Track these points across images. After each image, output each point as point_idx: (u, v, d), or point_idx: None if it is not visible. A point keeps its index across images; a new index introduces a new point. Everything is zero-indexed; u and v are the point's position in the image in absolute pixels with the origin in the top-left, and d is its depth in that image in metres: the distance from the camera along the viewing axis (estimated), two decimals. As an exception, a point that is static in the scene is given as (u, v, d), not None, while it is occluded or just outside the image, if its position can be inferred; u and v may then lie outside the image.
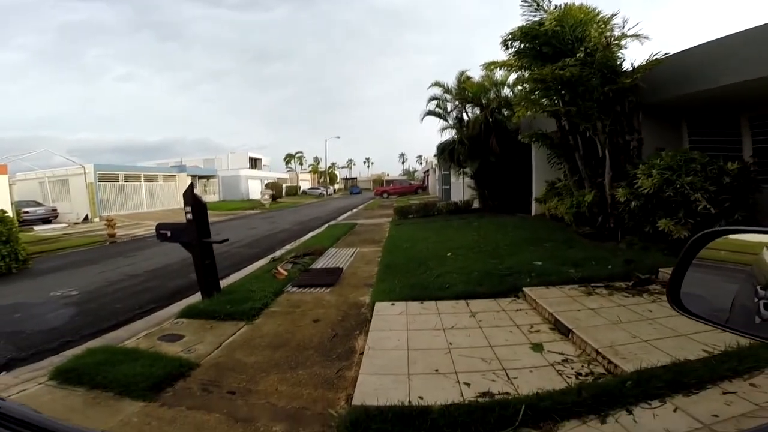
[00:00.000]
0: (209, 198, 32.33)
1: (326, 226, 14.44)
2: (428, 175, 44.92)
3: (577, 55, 7.11)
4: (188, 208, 4.99)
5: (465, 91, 14.62)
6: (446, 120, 15.93)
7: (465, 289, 4.95)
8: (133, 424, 2.55)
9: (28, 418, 0.75)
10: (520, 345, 3.47)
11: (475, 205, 16.02)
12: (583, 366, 3.01)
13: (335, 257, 8.03)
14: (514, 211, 13.15)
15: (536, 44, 8.01)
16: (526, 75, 8.73)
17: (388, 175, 77.38)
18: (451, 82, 15.27)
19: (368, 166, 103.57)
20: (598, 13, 7.65)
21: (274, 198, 34.05)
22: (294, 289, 5.78)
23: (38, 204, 21.47)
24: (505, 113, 13.66)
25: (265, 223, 17.80)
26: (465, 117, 15.37)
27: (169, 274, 7.68)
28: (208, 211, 5.32)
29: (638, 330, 3.42)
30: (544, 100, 8.63)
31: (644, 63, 6.91)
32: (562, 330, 3.65)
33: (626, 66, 7.38)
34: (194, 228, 4.98)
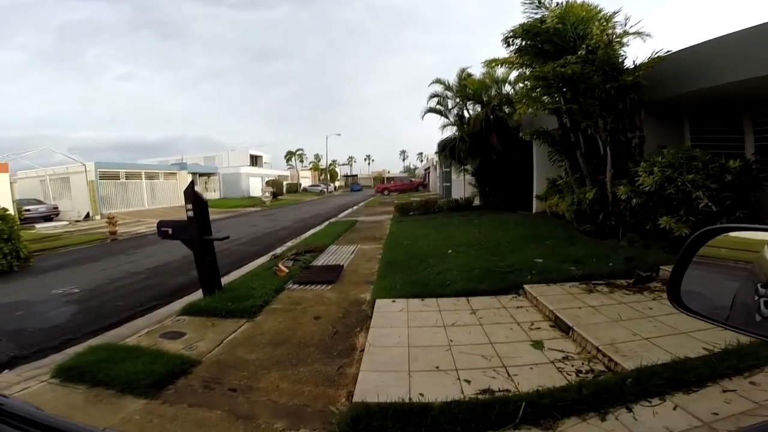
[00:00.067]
0: (210, 195, 32.38)
1: (327, 223, 14.44)
2: (429, 173, 44.89)
3: (579, 52, 7.08)
4: (189, 206, 4.99)
5: (466, 88, 14.59)
6: (447, 117, 15.92)
7: (466, 287, 4.95)
8: (135, 421, 2.56)
9: (31, 416, 0.75)
10: (521, 342, 3.47)
11: (476, 202, 16.02)
12: (583, 363, 3.02)
13: (336, 254, 8.04)
14: (515, 209, 13.14)
15: (538, 41, 7.99)
16: (528, 72, 8.71)
17: (388, 172, 77.43)
18: (451, 79, 15.28)
19: (369, 164, 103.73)
20: (600, 11, 7.63)
21: (274, 195, 34.05)
22: (295, 286, 5.79)
23: (39, 202, 21.49)
24: (507, 110, 13.64)
25: (265, 220, 17.81)
26: (466, 114, 15.35)
27: (170, 272, 7.70)
28: (209, 209, 5.31)
29: (639, 327, 3.42)
30: (545, 97, 8.61)
31: (646, 60, 6.88)
32: (563, 327, 3.66)
33: (628, 63, 7.37)
34: (195, 225, 4.98)
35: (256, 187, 39.12)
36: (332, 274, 6.31)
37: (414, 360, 3.20)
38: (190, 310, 4.76)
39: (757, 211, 5.65)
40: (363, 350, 3.45)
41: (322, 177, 62.71)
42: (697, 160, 5.83)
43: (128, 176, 26.13)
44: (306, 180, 61.30)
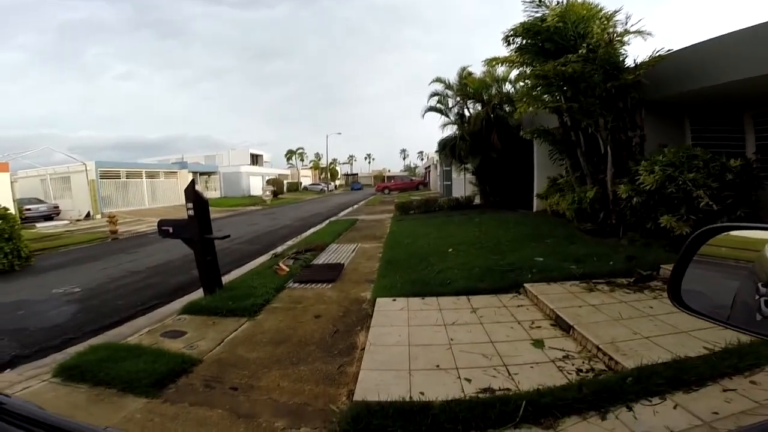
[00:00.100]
0: (211, 194, 32.41)
1: (327, 222, 14.45)
2: (429, 171, 44.88)
3: (580, 51, 7.08)
4: (190, 205, 5.00)
5: (466, 87, 14.58)
6: (447, 116, 15.91)
7: (466, 285, 4.95)
8: (136, 420, 2.57)
9: (33, 415, 0.76)
10: (521, 341, 3.47)
11: (477, 201, 16.02)
12: (583, 362, 3.02)
13: (336, 253, 8.04)
14: (515, 207, 13.14)
15: (538, 40, 7.97)
16: (528, 71, 8.69)
17: (389, 171, 77.40)
18: (452, 78, 15.26)
19: (369, 162, 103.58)
20: (601, 10, 7.62)
21: (275, 194, 34.06)
22: (295, 285, 5.80)
23: (40, 201, 21.53)
24: (507, 109, 13.61)
25: (266, 219, 17.81)
26: (466, 113, 15.34)
27: (171, 271, 7.71)
28: (210, 208, 5.32)
29: (639, 326, 3.42)
30: (546, 96, 8.60)
31: (647, 59, 6.86)
32: (563, 326, 3.66)
33: (629, 62, 7.36)
34: (196, 224, 4.99)
35: (256, 186, 39.14)
36: (333, 272, 6.32)
37: (414, 359, 3.20)
38: (191, 309, 4.77)
39: (757, 210, 5.65)
40: (363, 349, 3.45)
41: (323, 176, 62.70)
42: (698, 158, 5.82)
43: (129, 175, 26.15)
44: (306, 179, 61.31)
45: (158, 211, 22.07)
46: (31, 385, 3.11)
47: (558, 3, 7.69)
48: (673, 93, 6.86)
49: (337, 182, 68.70)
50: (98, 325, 4.75)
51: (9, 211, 9.08)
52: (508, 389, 2.66)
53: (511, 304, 4.39)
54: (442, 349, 3.37)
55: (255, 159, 50.03)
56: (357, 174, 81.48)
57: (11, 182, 17.89)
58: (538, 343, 3.39)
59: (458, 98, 15.34)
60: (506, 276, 5.20)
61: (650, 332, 3.28)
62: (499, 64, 10.58)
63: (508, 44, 8.50)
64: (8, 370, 3.54)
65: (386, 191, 40.10)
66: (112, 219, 14.36)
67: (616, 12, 7.55)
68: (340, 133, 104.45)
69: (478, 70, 14.63)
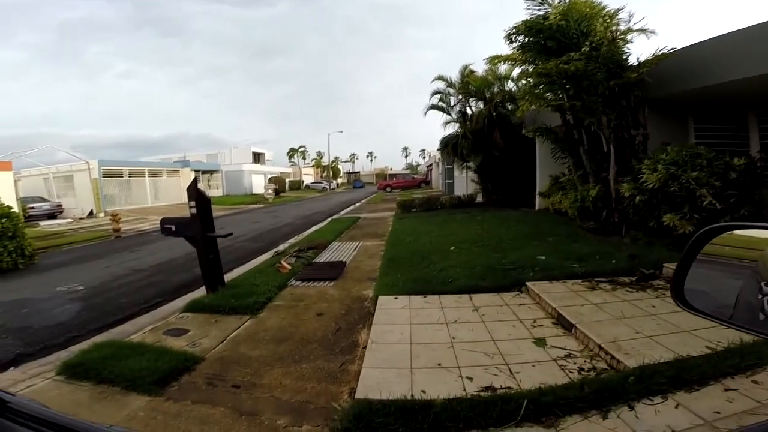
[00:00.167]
0: (213, 192, 32.43)
1: (329, 220, 14.46)
2: (431, 169, 44.85)
3: (582, 49, 7.04)
4: (192, 203, 5.01)
5: (468, 85, 14.56)
6: (449, 114, 15.90)
7: (468, 284, 4.95)
8: (139, 418, 2.58)
9: (38, 414, 0.76)
10: (523, 339, 3.47)
11: (479, 199, 16.01)
12: (585, 361, 3.02)
13: (338, 251, 8.05)
14: (517, 206, 13.12)
15: (540, 38, 7.94)
16: (531, 69, 8.66)
17: (391, 169, 77.23)
18: (454, 76, 15.23)
19: (371, 161, 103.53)
20: (604, 8, 7.59)
21: (277, 192, 34.12)
22: (297, 282, 5.81)
23: (43, 200, 21.61)
24: (509, 107, 13.60)
25: (268, 217, 17.84)
26: (468, 111, 15.33)
27: (173, 269, 7.73)
28: (212, 206, 5.33)
29: (641, 325, 3.41)
30: (548, 94, 8.57)
31: (650, 58, 6.84)
32: (565, 325, 3.66)
33: (632, 61, 7.34)
34: (198, 222, 5.00)
35: (258, 184, 39.20)
36: (335, 270, 6.32)
37: (416, 357, 3.21)
38: (193, 307, 4.78)
39: (761, 209, 5.62)
40: (365, 347, 3.46)
41: (325, 174, 62.75)
42: (701, 157, 5.80)
43: (131, 174, 26.26)
44: (308, 177, 61.35)
45: (161, 210, 22.16)
46: (35, 383, 3.13)
47: (560, 1, 7.67)
48: (677, 91, 6.83)
49: (339, 180, 68.74)
50: (102, 323, 4.77)
51: (12, 210, 9.11)
52: (509, 388, 2.66)
53: (513, 303, 4.39)
54: (443, 347, 3.37)
55: (257, 157, 50.07)
56: (359, 172, 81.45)
57: (15, 181, 17.95)
58: (540, 342, 3.39)
59: (460, 96, 15.33)
60: (508, 274, 5.20)
61: (652, 331, 3.27)
62: (502, 62, 10.54)
63: (511, 42, 8.47)
64: (12, 368, 3.57)
65: (388, 189, 40.12)
66: (115, 217, 14.42)
67: (619, 10, 7.54)
68: (341, 132, 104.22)
69: (479, 68, 14.66)
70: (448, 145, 15.89)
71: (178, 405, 2.73)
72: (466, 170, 16.87)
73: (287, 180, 47.75)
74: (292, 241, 9.87)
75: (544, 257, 5.85)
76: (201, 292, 5.34)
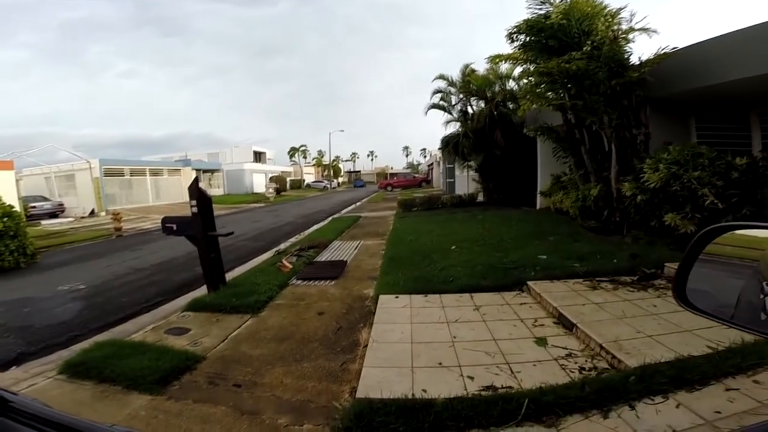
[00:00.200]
0: (214, 191, 32.47)
1: (330, 219, 14.47)
2: (432, 169, 44.83)
3: (584, 48, 7.03)
4: (193, 202, 5.02)
5: (469, 84, 14.54)
6: (450, 113, 15.88)
7: (469, 283, 4.95)
8: (140, 417, 2.58)
9: (40, 413, 0.76)
10: (524, 339, 3.47)
11: (480, 198, 16.01)
12: (586, 361, 3.01)
13: (339, 250, 8.05)
14: (518, 205, 13.11)
15: (542, 37, 7.93)
16: (532, 68, 8.65)
17: (391, 168, 77.26)
18: (455, 75, 15.22)
19: (372, 160, 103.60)
20: (605, 7, 7.57)
21: (278, 191, 34.14)
22: (299, 281, 5.82)
23: (45, 199, 21.65)
24: (510, 106, 13.58)
25: (269, 216, 17.85)
26: (469, 110, 15.31)
27: (174, 268, 7.74)
28: (213, 205, 5.34)
29: (643, 325, 3.41)
30: (549, 93, 8.56)
31: (652, 57, 6.83)
32: (566, 324, 3.65)
33: (634, 60, 7.32)
34: (199, 221, 5.01)
35: (259, 184, 39.24)
36: (336, 269, 6.33)
37: (417, 356, 3.21)
38: (194, 306, 4.79)
39: (763, 209, 5.60)
40: (366, 346, 3.46)
41: (326, 173, 62.77)
42: (703, 157, 5.79)
43: (132, 173, 26.31)
44: (309, 176, 61.37)
45: (162, 209, 22.18)
46: (36, 382, 3.14)
47: (562, 0, 7.65)
48: (679, 91, 6.82)
49: (340, 179, 68.75)
50: (103, 322, 4.78)
51: (14, 209, 9.12)
52: (510, 387, 2.66)
53: (514, 302, 4.39)
54: (444, 346, 3.37)
55: (258, 156, 50.09)
56: (360, 171, 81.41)
57: (16, 180, 17.99)
58: (541, 341, 3.39)
59: (461, 95, 15.31)
60: (509, 273, 5.20)
61: (654, 331, 3.27)
62: (503, 61, 10.52)
63: (512, 41, 8.46)
64: (14, 367, 3.58)
65: (389, 188, 40.16)
66: (116, 216, 14.44)
67: (620, 9, 7.52)
68: (342, 131, 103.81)
69: (480, 67, 14.63)
70: (449, 144, 15.88)
71: (179, 404, 2.74)
72: (467, 169, 16.86)
73: (288, 179, 47.78)
74: (293, 240, 9.88)
75: (545, 256, 5.85)
76: (202, 291, 5.35)
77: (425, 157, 76.05)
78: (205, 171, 34.48)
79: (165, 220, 5.41)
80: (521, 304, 4.34)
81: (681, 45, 6.69)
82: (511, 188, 14.24)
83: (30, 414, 0.75)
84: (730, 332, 2.55)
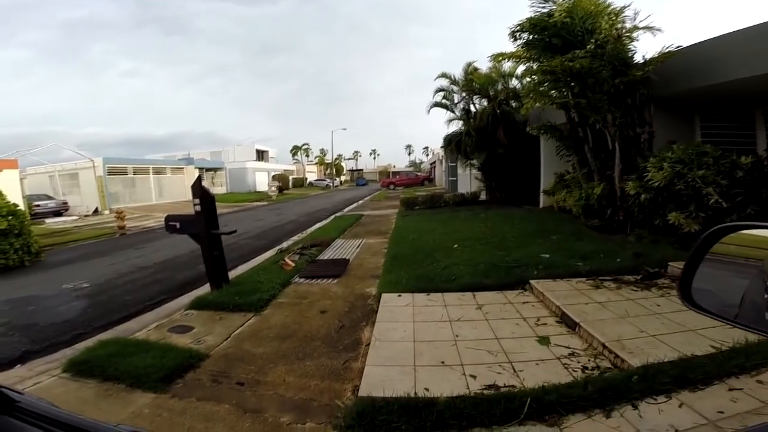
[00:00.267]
0: (217, 190, 32.58)
1: (333, 217, 14.48)
2: (435, 167, 44.80)
3: (588, 47, 7.00)
4: (196, 200, 5.04)
5: (472, 82, 14.50)
6: (453, 111, 15.82)
7: (471, 281, 4.95)
8: (144, 415, 2.60)
9: (47, 413, 0.77)
10: (527, 338, 3.47)
11: (483, 196, 15.97)
12: (589, 360, 3.01)
13: (342, 248, 8.06)
14: (521, 203, 13.08)
15: (545, 36, 7.90)
16: (535, 66, 8.62)
17: (394, 166, 77.20)
18: (457, 73, 15.15)
19: (374, 158, 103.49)
20: (609, 5, 7.53)
21: (280, 190, 34.20)
22: (301, 280, 5.83)
23: (49, 197, 21.75)
24: (513, 105, 13.54)
25: (272, 214, 17.88)
26: (472, 108, 15.25)
27: (178, 266, 7.77)
28: (216, 203, 5.35)
29: (646, 324, 3.40)
30: (553, 91, 8.52)
31: (656, 55, 6.80)
32: (569, 323, 3.65)
33: (637, 58, 7.29)
34: (203, 219, 5.03)
35: (262, 182, 39.31)
36: (338, 268, 6.34)
37: (419, 355, 3.21)
38: (198, 304, 4.81)
39: (768, 208, 5.58)
40: (369, 344, 3.47)
41: (328, 171, 62.79)
42: (707, 155, 5.76)
43: (136, 171, 26.39)
44: (312, 174, 61.45)
45: (165, 207, 22.21)
46: (41, 380, 3.16)
47: (565, -2, 7.61)
48: (683, 89, 6.78)
49: (342, 178, 68.77)
50: (107, 320, 4.81)
51: (18, 208, 9.18)
52: (513, 386, 2.66)
53: (517, 301, 4.38)
54: (447, 345, 3.37)
55: (260, 155, 50.17)
56: (362, 170, 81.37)
57: (20, 179, 18.08)
58: (544, 340, 3.39)
59: (464, 94, 15.25)
60: (512, 272, 5.19)
61: (657, 330, 3.26)
62: (506, 60, 10.50)
63: (515, 40, 8.43)
64: (19, 365, 3.61)
65: (391, 187, 40.10)
66: (119, 215, 14.50)
67: (624, 8, 7.48)
68: (344, 129, 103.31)
69: (483, 65, 14.53)
70: (451, 142, 15.84)
71: (183, 402, 2.75)
72: (469, 168, 16.82)
73: (291, 177, 47.88)
74: (295, 238, 9.90)
75: (548, 255, 5.84)
76: (205, 289, 5.37)
77: (428, 155, 76.11)
78: (208, 169, 34.56)
79: (168, 219, 5.43)
80: (524, 302, 4.34)
81: (685, 43, 6.66)
82: (513, 187, 14.20)
83: (35, 413, 0.76)
84: (734, 332, 2.55)
